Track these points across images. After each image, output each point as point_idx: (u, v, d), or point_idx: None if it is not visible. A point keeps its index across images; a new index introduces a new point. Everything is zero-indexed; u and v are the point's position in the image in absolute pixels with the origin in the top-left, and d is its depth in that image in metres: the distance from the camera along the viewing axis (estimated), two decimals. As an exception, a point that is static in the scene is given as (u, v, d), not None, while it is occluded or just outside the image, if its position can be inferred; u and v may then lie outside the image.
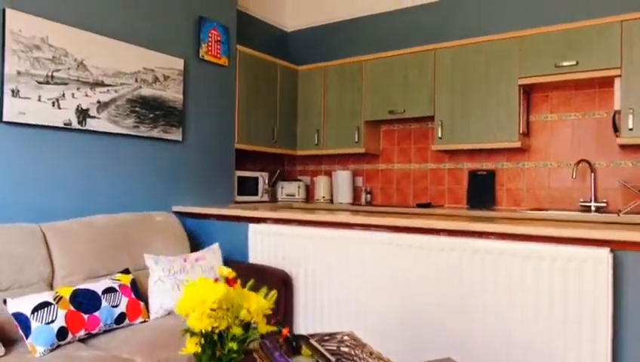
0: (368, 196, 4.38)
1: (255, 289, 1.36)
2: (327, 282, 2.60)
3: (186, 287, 1.25)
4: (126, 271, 2.44)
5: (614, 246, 1.95)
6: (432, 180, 4.16)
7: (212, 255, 2.72)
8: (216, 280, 1.32)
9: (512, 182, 3.80)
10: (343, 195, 4.33)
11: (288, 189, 4.57)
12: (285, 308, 2.61)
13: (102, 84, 2.85)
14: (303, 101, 4.52)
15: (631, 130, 3.08)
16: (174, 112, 3.29)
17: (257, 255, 2.88)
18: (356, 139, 4.18)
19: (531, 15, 3.74)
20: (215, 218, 3.19)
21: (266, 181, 4.24)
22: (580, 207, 3.51)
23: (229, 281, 1.32)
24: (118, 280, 2.34)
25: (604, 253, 1.89)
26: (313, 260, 2.65)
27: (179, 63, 3.32)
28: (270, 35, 4.89)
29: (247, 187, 4.07)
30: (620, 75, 3.15)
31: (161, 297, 2.45)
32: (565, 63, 3.29)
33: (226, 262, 2.79)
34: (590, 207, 3.44)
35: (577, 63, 3.25)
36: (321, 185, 4.52)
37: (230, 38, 3.76)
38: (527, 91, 3.70)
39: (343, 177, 4.33)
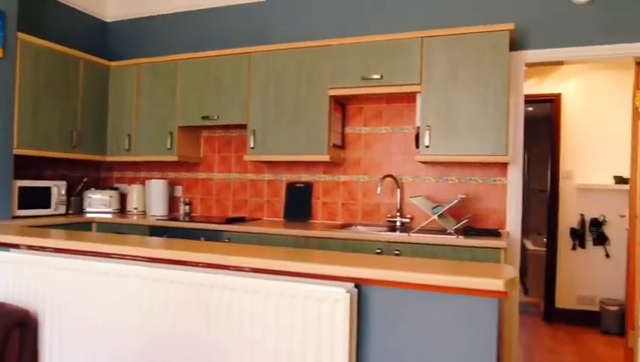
0: (187, 207, 4.04)
1: None
2: (78, 323, 2.21)
3: None
4: None
5: (360, 281, 1.82)
6: (252, 191, 3.92)
7: None
8: None
9: (328, 195, 3.68)
10: (158, 207, 3.94)
11: (99, 200, 4.06)
12: (20, 355, 2.18)
13: None
14: (114, 101, 4.04)
15: (427, 147, 3.08)
16: None
17: (1, 289, 2.40)
18: (169, 146, 3.80)
19: (346, 23, 3.64)
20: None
21: (63, 191, 3.71)
22: (387, 223, 3.48)
23: None
24: None
25: (341, 291, 1.74)
26: (63, 297, 2.24)
27: None
28: (83, 25, 4.33)
29: (36, 199, 3.51)
30: (420, 92, 3.13)
31: None
32: (371, 76, 3.21)
33: (-44, 299, 2.28)
34: (396, 222, 3.42)
35: (382, 77, 3.19)
36: (134, 195, 4.08)
37: (7, 25, 3.19)
38: (343, 103, 3.60)
39: (157, 187, 3.94)
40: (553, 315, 4.64)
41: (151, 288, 2.06)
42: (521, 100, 3.24)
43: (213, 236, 3.30)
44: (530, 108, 6.27)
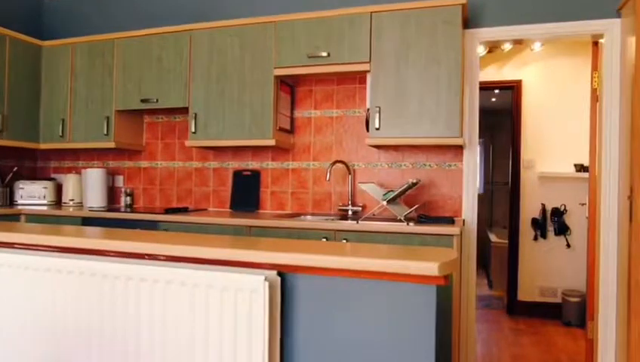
0: (128, 198, 3.76)
1: None
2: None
3: None
4: None
5: (284, 268, 1.60)
6: (197, 180, 3.67)
7: None
8: None
9: (277, 183, 3.46)
10: (95, 198, 3.64)
11: (32, 190, 3.75)
12: None
13: None
14: (46, 84, 3.73)
15: (377, 129, 2.89)
16: None
17: None
18: (105, 132, 3.52)
19: None
20: None
21: (-13, 181, 3.39)
22: (338, 211, 3.28)
23: None
24: None
25: (259, 279, 1.52)
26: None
27: None
28: (17, 3, 3.99)
29: (-46, 188, 3.19)
30: (369, 71, 2.94)
31: None
32: (318, 54, 3.00)
33: None
34: (348, 210, 3.22)
35: (329, 55, 2.98)
36: (69, 185, 3.78)
37: None
38: (291, 85, 3.38)
39: (93, 176, 3.64)
40: (516, 308, 4.52)
41: (50, 280, 1.81)
42: (477, 81, 3.08)
43: (149, 227, 3.04)
44: (494, 99, 6.18)
